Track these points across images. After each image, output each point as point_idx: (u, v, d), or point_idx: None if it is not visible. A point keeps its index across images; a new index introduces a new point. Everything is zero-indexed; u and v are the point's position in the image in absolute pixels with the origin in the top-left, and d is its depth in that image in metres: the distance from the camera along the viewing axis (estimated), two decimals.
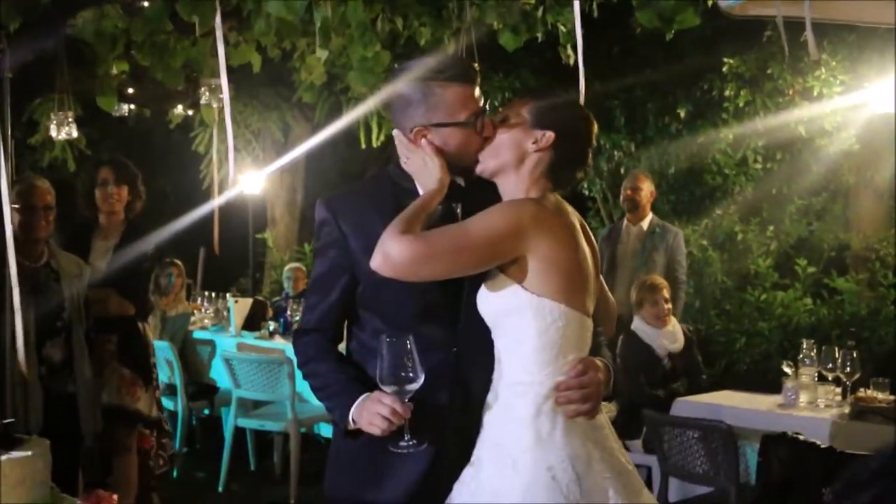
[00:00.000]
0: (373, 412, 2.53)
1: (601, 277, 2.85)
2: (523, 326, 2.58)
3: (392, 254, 2.49)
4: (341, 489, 2.79)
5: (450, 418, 2.64)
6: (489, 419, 2.61)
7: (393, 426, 2.51)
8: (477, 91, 2.67)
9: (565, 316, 2.57)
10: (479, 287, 2.63)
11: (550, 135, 2.64)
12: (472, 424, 2.63)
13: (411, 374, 2.48)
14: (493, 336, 2.64)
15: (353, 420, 2.60)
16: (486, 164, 2.68)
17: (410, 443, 2.53)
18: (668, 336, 6.21)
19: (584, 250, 2.65)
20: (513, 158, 2.65)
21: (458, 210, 2.67)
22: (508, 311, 2.59)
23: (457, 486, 2.59)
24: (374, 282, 2.63)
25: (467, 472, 2.59)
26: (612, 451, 2.60)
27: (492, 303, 2.61)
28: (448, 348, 2.64)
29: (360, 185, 3.05)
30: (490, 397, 2.63)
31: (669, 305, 6.27)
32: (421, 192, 2.68)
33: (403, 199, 2.67)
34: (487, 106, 2.71)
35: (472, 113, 2.64)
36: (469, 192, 2.72)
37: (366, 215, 2.69)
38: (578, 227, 2.67)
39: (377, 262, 2.51)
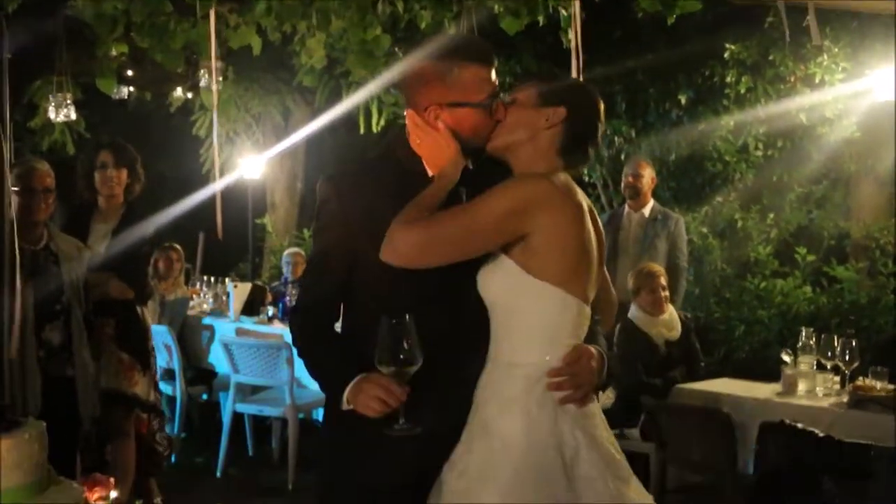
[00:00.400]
0: (369, 394, 2.51)
1: (604, 268, 2.84)
2: (521, 309, 2.58)
3: (398, 244, 2.49)
4: (335, 471, 2.77)
5: (446, 401, 2.61)
6: (480, 399, 2.61)
7: (388, 408, 2.49)
8: (493, 73, 2.65)
9: (564, 302, 2.57)
10: (479, 269, 2.62)
11: (561, 110, 2.64)
12: (467, 407, 2.62)
13: (410, 356, 2.46)
14: (490, 316, 2.63)
15: (347, 400, 2.58)
16: (498, 142, 2.67)
17: (405, 426, 2.51)
18: (666, 324, 6.17)
19: (590, 233, 2.64)
20: (525, 137, 2.65)
21: (464, 194, 2.66)
22: (507, 292, 2.59)
23: (447, 466, 2.59)
24: (372, 264, 2.60)
25: (457, 452, 2.59)
26: (601, 439, 2.59)
27: (491, 284, 2.61)
28: (446, 331, 2.62)
29: (365, 164, 3.00)
30: (483, 377, 2.63)
31: (667, 293, 6.22)
32: (431, 173, 2.66)
33: (408, 181, 2.65)
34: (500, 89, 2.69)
35: (489, 94, 2.63)
36: (476, 174, 2.69)
37: (369, 197, 2.66)
38: (587, 209, 2.65)
39: (386, 254, 2.51)
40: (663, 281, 6.20)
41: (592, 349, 2.63)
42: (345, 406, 2.60)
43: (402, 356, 2.46)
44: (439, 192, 2.59)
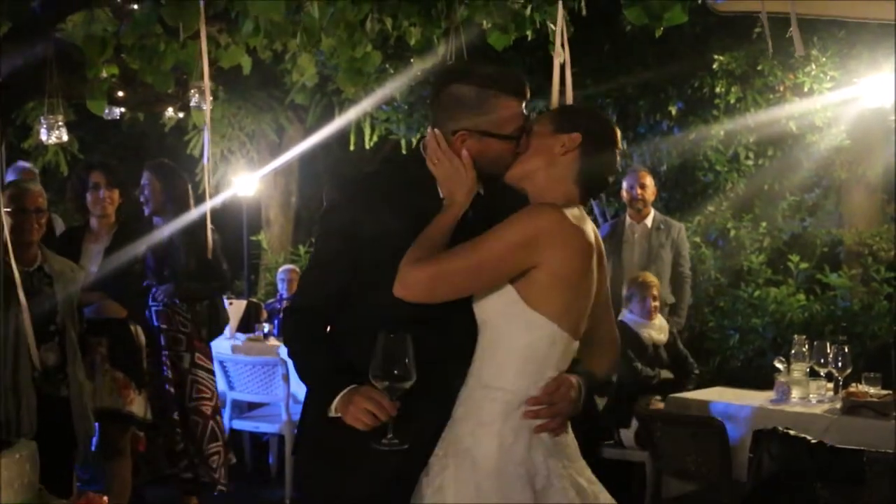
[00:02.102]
0: (359, 406, 2.52)
1: (610, 306, 2.84)
2: (511, 335, 2.58)
3: (409, 281, 2.52)
4: (315, 476, 2.80)
5: (430, 417, 2.63)
6: (458, 415, 2.62)
7: (377, 422, 2.51)
8: (524, 107, 2.68)
9: (555, 336, 2.57)
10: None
11: (577, 136, 2.64)
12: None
13: (404, 373, 2.48)
14: (479, 334, 2.64)
15: (335, 409, 2.60)
16: (515, 171, 2.68)
17: (393, 441, 2.53)
18: (655, 328, 6.45)
19: (594, 271, 2.63)
20: (542, 164, 2.65)
21: (471, 218, 2.67)
22: (500, 316, 2.59)
23: (425, 480, 2.60)
24: (372, 277, 2.64)
25: (434, 466, 2.60)
26: (572, 469, 2.60)
27: (487, 304, 2.61)
28: (436, 348, 2.63)
29: (374, 174, 3.02)
30: (462, 393, 2.63)
31: (657, 303, 6.45)
32: (442, 193, 2.67)
33: (415, 193, 2.68)
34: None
35: (518, 128, 2.65)
36: (487, 199, 2.71)
37: (377, 207, 2.68)
38: (594, 246, 2.64)
39: (398, 290, 2.53)
40: (655, 292, 6.42)
41: (572, 379, 2.63)
42: (332, 414, 2.61)
43: (396, 372, 2.48)
44: (449, 222, 2.60)
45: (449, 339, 2.65)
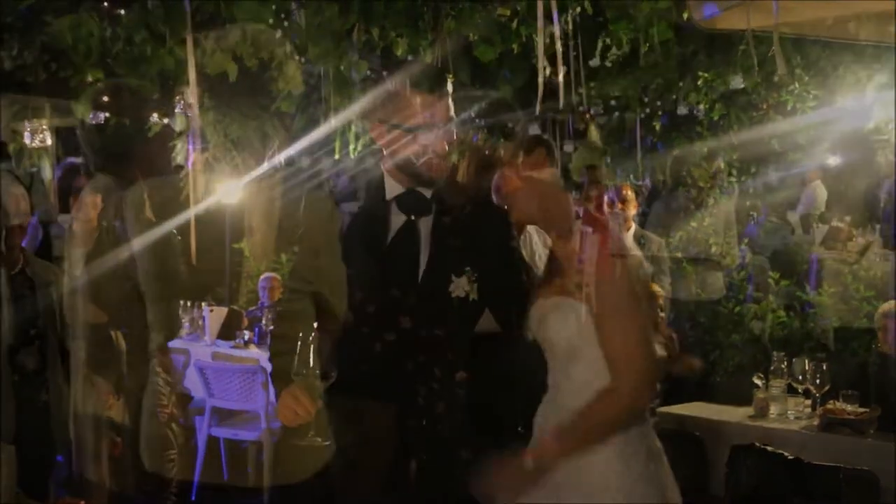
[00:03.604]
0: (283, 403, 2.58)
1: None
2: (588, 349, 2.60)
3: (633, 387, 2.59)
4: None
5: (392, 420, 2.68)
6: None
7: (299, 419, 2.55)
8: (441, 102, 2.69)
9: None
10: (437, 295, 2.64)
11: None
12: (413, 425, 2.68)
13: (323, 370, 2.54)
14: (551, 358, 2.65)
15: None
16: None
17: (314, 439, 2.58)
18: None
19: None
20: None
21: (420, 224, 2.70)
22: (581, 335, 2.59)
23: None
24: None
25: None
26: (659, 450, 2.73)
27: (563, 328, 2.62)
28: (400, 353, 2.65)
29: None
30: (555, 420, 2.65)
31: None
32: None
33: (371, 214, 2.73)
34: (454, 117, 2.72)
35: (427, 122, 2.66)
36: (437, 203, 2.73)
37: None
38: None
39: (634, 408, 2.65)
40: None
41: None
42: None
43: (314, 370, 2.56)
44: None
45: (409, 349, 2.66)
